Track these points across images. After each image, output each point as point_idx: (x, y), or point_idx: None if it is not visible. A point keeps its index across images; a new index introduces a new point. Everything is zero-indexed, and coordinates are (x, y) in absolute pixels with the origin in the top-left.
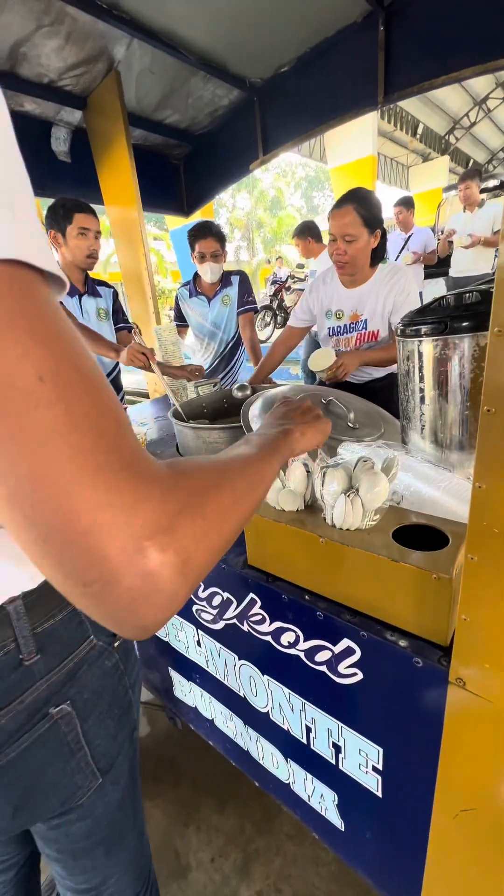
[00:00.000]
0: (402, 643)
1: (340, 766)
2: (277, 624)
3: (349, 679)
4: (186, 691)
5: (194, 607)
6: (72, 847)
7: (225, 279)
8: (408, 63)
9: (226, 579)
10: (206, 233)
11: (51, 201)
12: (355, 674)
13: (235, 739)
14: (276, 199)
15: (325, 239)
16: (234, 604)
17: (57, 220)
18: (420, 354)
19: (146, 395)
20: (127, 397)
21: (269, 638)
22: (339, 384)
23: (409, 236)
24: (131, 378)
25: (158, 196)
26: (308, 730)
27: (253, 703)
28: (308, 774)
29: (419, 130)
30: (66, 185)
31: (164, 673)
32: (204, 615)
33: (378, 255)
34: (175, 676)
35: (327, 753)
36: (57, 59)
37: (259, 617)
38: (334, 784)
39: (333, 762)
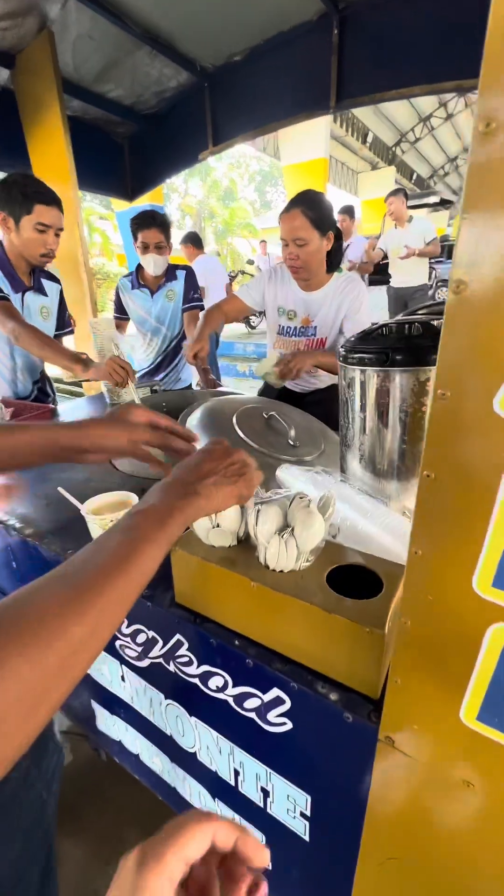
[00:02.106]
0: (333, 696)
1: (268, 810)
2: (206, 667)
3: (278, 728)
4: (110, 725)
5: (118, 643)
6: None
7: (170, 273)
8: (360, 72)
9: (151, 617)
10: (150, 222)
11: None
12: (285, 723)
13: (162, 776)
14: (229, 189)
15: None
16: (160, 643)
17: (12, 204)
18: (361, 383)
19: (81, 387)
20: (64, 387)
21: (196, 680)
22: (281, 395)
23: (348, 245)
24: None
25: (100, 176)
26: (236, 773)
27: (180, 743)
28: (236, 815)
29: (369, 139)
30: None
31: (86, 704)
32: (128, 651)
33: (334, 260)
34: (98, 709)
35: (255, 797)
36: None
37: (186, 659)
38: (262, 826)
39: (261, 805)
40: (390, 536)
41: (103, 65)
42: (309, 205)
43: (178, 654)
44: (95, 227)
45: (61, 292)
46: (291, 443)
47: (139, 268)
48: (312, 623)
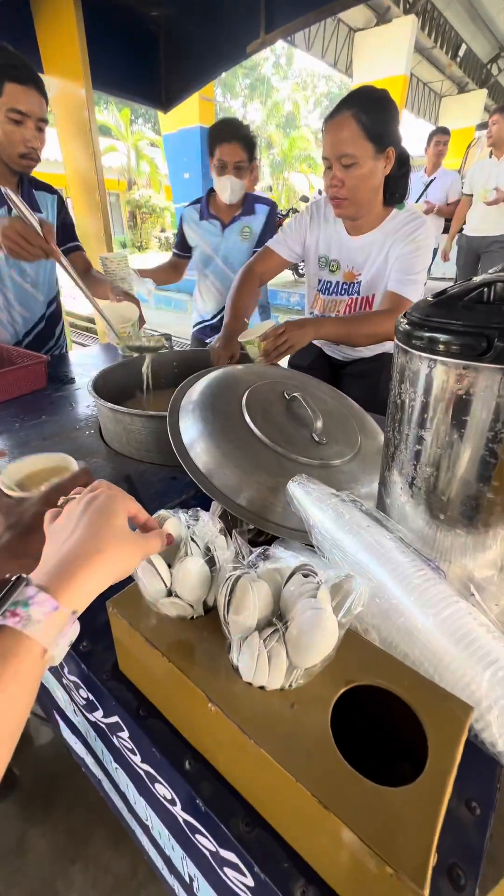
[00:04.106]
0: None
1: None
2: (149, 769)
3: (239, 890)
4: (72, 742)
5: (64, 680)
6: None
7: (248, 204)
8: None
9: (87, 679)
10: (231, 134)
11: None
12: (246, 893)
13: (123, 813)
14: (291, 115)
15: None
16: (101, 712)
17: None
18: (429, 381)
19: (96, 333)
20: (76, 330)
21: (142, 773)
22: (315, 362)
23: (432, 180)
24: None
25: (129, 75)
26: (191, 879)
27: (133, 807)
28: None
29: (461, 52)
30: None
31: (48, 707)
32: (71, 693)
33: (396, 189)
34: (60, 722)
35: None
36: None
37: (129, 746)
38: None
39: None
40: (446, 639)
41: None
42: (365, 106)
43: (119, 734)
44: (144, 154)
45: (59, 201)
46: (316, 438)
47: (211, 193)
48: (298, 804)
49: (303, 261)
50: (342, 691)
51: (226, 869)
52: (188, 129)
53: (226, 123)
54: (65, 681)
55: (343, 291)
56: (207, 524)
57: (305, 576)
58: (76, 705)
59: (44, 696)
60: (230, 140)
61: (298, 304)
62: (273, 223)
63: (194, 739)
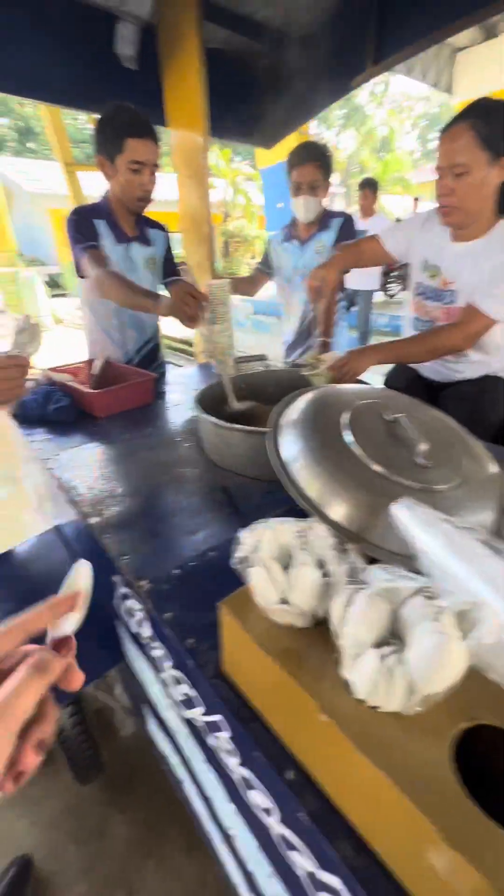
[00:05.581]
0: None
1: None
2: (248, 774)
3: None
4: (158, 738)
5: (163, 674)
6: None
7: (324, 221)
8: None
9: (191, 673)
10: (305, 157)
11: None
12: None
13: (202, 818)
14: (385, 140)
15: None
16: (202, 709)
17: (106, 143)
18: None
19: (192, 354)
20: (171, 350)
21: (238, 777)
22: (411, 384)
23: None
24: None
25: (237, 119)
26: None
27: (217, 813)
28: None
29: None
30: (132, 101)
31: (136, 702)
32: (170, 687)
33: None
34: (149, 717)
35: None
36: None
37: (228, 747)
38: None
39: None
40: None
41: None
42: (483, 116)
43: (218, 734)
44: (240, 188)
45: (167, 239)
46: (422, 462)
47: (295, 218)
48: (412, 833)
49: (405, 263)
50: (464, 727)
51: (322, 894)
52: (284, 163)
53: (300, 147)
54: (164, 675)
55: (437, 298)
56: (321, 537)
57: (429, 599)
58: (172, 700)
59: (135, 689)
60: (303, 162)
61: (387, 325)
62: (347, 234)
63: (296, 749)
